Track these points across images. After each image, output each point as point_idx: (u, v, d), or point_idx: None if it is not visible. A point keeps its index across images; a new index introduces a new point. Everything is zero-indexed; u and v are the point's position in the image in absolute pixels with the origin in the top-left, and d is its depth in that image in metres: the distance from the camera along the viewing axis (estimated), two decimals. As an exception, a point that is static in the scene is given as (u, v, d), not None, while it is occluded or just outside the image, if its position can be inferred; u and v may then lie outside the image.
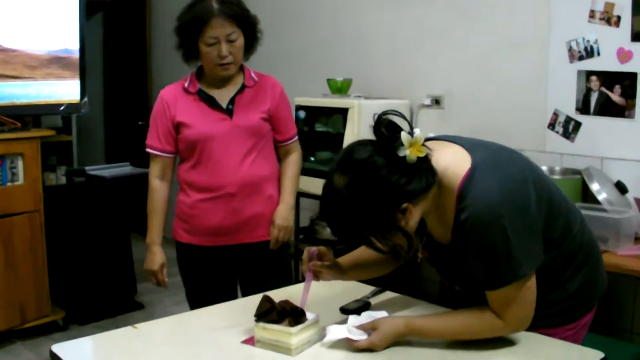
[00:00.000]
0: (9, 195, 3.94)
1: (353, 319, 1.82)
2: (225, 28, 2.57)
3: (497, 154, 1.81)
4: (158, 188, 2.78)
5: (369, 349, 1.75)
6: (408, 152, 1.64)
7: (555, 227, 1.80)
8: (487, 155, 1.75)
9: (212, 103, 2.69)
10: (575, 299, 1.88)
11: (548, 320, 1.85)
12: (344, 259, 2.08)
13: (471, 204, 1.66)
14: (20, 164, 3.98)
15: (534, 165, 1.88)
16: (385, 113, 1.72)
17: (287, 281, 2.77)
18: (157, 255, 2.76)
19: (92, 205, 4.68)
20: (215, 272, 2.81)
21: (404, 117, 1.73)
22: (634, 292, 3.25)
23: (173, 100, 2.71)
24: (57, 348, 1.81)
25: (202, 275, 2.81)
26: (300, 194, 3.85)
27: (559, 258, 1.83)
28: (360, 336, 1.76)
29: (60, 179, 5.07)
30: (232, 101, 2.70)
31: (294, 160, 2.89)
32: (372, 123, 1.71)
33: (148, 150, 2.77)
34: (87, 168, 4.75)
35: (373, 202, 1.64)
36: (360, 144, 1.72)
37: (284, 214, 2.79)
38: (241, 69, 2.76)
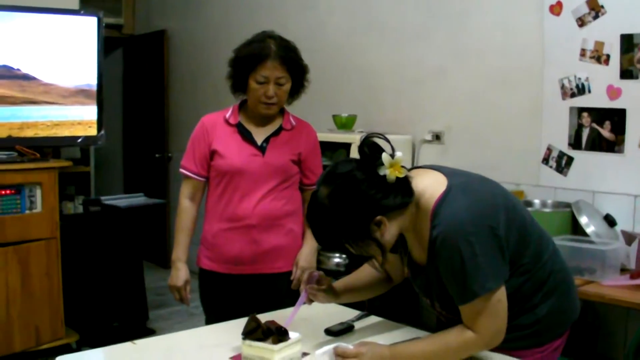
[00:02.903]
0: (27, 222, 4.10)
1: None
2: (277, 71, 2.68)
3: (473, 180, 1.96)
4: (187, 208, 2.88)
5: None
6: (388, 172, 1.80)
7: (525, 254, 1.91)
8: (463, 181, 1.91)
9: (248, 137, 2.80)
10: (544, 324, 1.96)
11: (517, 343, 1.94)
12: (338, 283, 2.24)
13: (442, 222, 1.80)
14: (38, 193, 4.13)
15: (509, 194, 2.00)
16: (370, 135, 1.88)
17: None
18: (181, 272, 2.85)
19: (107, 233, 4.85)
20: (234, 300, 2.87)
21: (387, 140, 1.88)
22: (624, 322, 3.32)
23: (212, 127, 2.83)
24: (63, 359, 1.98)
25: (221, 302, 2.89)
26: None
27: (529, 283, 1.93)
28: None
29: (78, 208, 5.26)
30: (267, 140, 2.81)
31: None
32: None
33: (182, 171, 2.88)
34: (102, 198, 4.91)
35: (350, 212, 1.80)
36: (345, 161, 1.90)
37: (308, 257, 2.90)
38: (282, 111, 2.87)
